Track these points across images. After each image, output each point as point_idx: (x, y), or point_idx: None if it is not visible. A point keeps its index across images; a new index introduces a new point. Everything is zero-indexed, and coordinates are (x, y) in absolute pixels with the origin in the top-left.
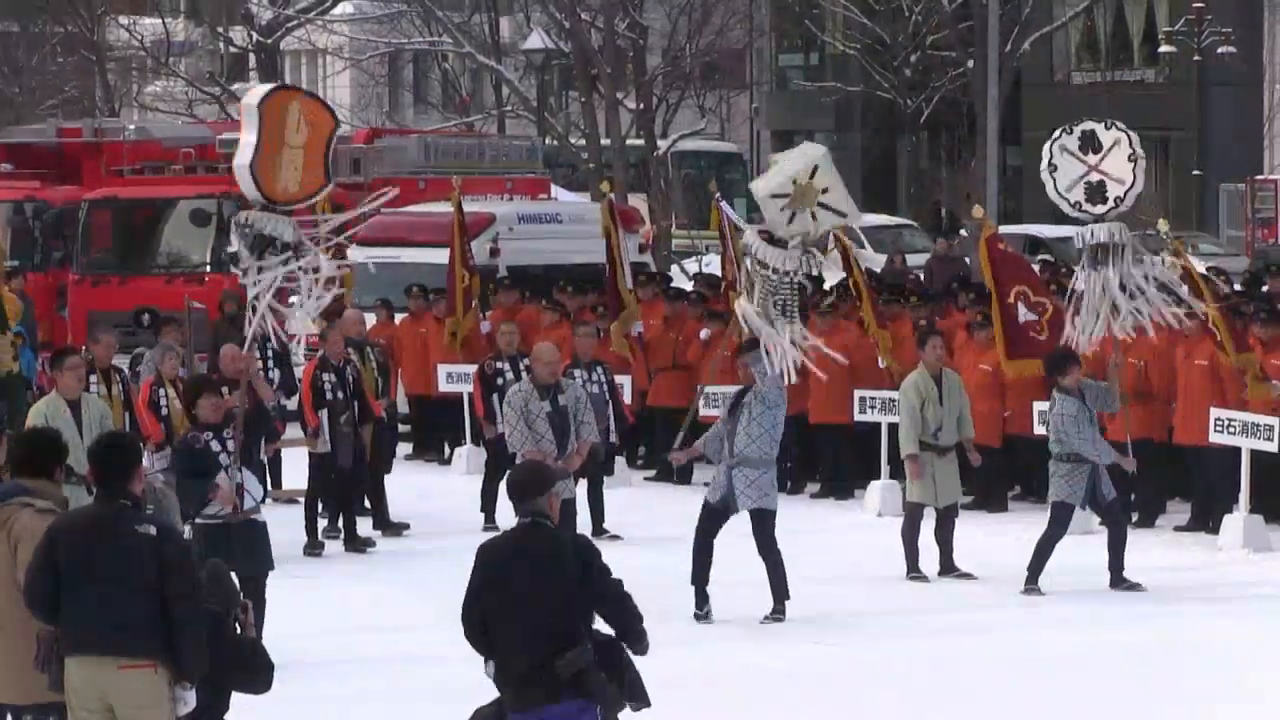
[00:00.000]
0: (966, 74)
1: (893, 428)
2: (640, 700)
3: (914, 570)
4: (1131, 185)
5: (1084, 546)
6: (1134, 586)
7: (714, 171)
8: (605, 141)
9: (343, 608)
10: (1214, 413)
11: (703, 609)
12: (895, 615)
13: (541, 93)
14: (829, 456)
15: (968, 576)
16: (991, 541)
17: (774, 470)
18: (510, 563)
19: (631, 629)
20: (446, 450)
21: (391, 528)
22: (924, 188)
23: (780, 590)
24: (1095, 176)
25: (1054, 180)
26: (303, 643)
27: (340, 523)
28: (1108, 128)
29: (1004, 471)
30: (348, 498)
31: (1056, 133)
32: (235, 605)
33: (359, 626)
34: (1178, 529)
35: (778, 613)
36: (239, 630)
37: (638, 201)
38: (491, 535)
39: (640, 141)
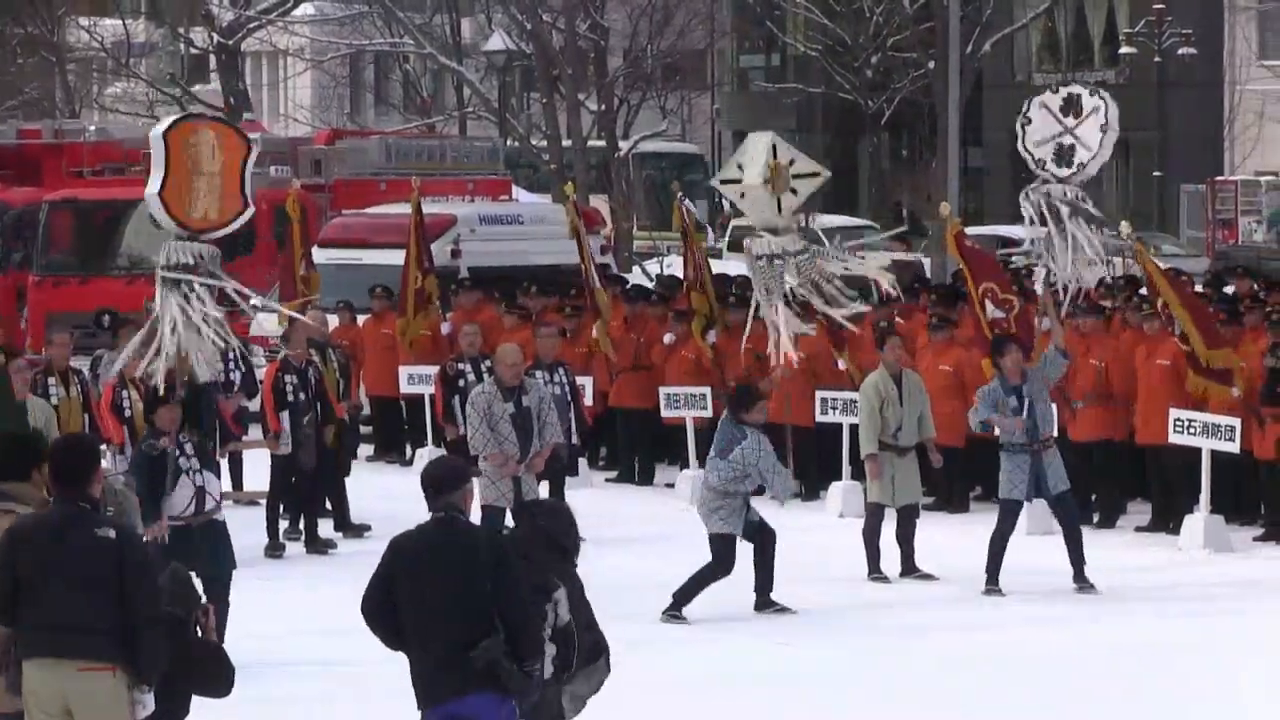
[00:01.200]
0: (927, 75)
1: (854, 428)
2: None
3: (875, 571)
4: (1096, 154)
5: (1045, 545)
6: (1089, 588)
7: (675, 173)
8: (566, 143)
9: (304, 609)
10: (1174, 413)
11: (679, 614)
12: (858, 616)
13: (503, 94)
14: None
15: (929, 577)
16: (953, 542)
17: None
18: (423, 556)
19: (527, 642)
20: (409, 451)
21: (353, 529)
22: (885, 188)
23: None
24: (1068, 139)
25: (1024, 133)
26: (264, 644)
27: (302, 524)
28: (1092, 94)
29: (966, 472)
30: (309, 499)
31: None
32: (197, 608)
33: (321, 628)
34: (1139, 530)
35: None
36: (200, 634)
37: (599, 203)
38: (405, 530)
39: (602, 143)
